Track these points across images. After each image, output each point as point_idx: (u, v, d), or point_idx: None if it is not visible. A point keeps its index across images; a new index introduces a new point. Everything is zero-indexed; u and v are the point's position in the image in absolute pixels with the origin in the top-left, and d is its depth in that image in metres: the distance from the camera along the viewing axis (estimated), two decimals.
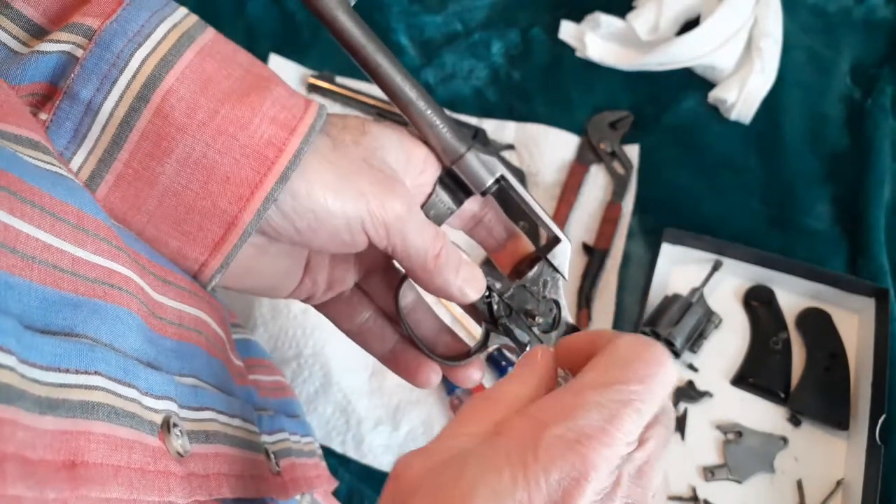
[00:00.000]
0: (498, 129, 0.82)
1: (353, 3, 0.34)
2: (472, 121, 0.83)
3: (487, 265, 0.39)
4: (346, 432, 0.72)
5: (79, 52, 0.30)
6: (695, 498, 0.68)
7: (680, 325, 0.70)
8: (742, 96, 0.80)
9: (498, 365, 0.72)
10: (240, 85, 0.32)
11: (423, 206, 0.37)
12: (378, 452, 0.71)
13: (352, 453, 0.71)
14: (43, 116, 0.30)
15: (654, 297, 0.73)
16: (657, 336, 0.71)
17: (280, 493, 0.38)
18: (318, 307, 0.42)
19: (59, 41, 0.31)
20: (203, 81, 0.31)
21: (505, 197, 0.38)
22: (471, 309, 0.40)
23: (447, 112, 0.86)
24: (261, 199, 0.31)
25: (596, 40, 0.84)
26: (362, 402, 0.72)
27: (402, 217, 0.34)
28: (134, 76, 0.30)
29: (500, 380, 0.31)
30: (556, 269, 0.39)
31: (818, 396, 0.70)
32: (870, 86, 0.83)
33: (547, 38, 0.86)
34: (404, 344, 0.42)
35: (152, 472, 0.27)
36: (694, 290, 0.72)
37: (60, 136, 0.31)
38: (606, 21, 0.83)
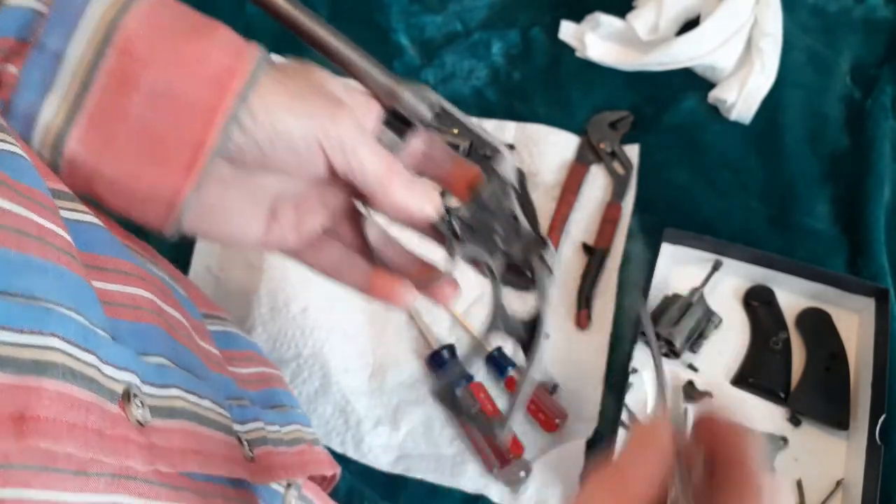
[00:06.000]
0: (498, 129, 0.82)
1: None
2: (472, 121, 0.83)
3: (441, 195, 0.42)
4: (346, 432, 0.71)
5: (44, 8, 0.33)
6: None
7: (680, 325, 0.70)
8: (742, 96, 0.80)
9: (498, 364, 0.72)
10: (191, 27, 0.35)
11: None
12: (378, 452, 0.71)
13: (351, 453, 0.71)
14: (13, 69, 0.33)
15: (654, 298, 0.73)
16: (657, 336, 0.71)
17: (255, 476, 0.38)
18: (289, 254, 0.44)
19: None
20: (159, 24, 0.34)
21: (446, 124, 0.42)
22: (435, 233, 0.42)
23: None
24: (224, 118, 0.34)
25: (596, 40, 0.84)
26: (362, 402, 0.72)
27: (355, 136, 0.36)
28: (95, 22, 0.33)
29: (621, 456, 0.29)
30: (503, 180, 0.41)
31: (818, 396, 0.70)
32: (870, 86, 0.83)
33: (547, 38, 0.86)
34: (378, 272, 0.44)
35: (110, 436, 0.27)
36: (694, 290, 0.72)
37: (31, 87, 0.33)
38: (606, 21, 0.83)
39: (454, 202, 0.42)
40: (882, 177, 0.78)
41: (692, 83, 0.83)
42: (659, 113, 0.83)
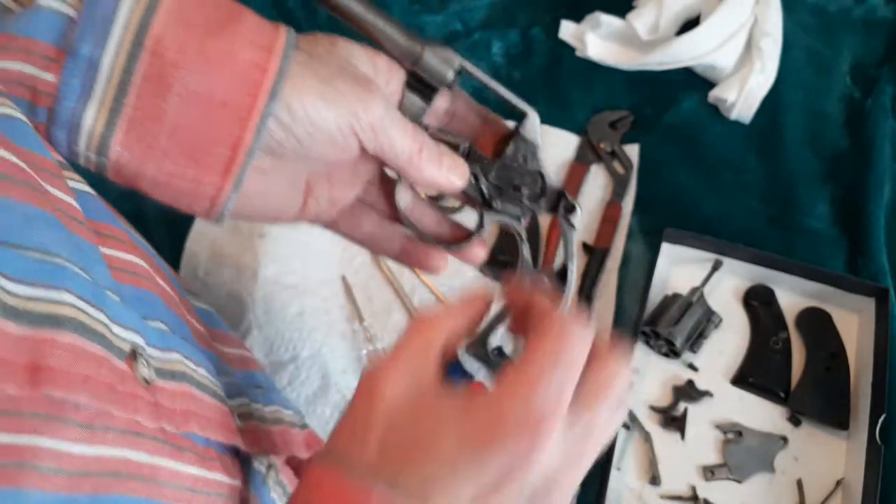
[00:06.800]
0: None
1: None
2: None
3: (469, 157, 0.43)
4: None
5: (73, 12, 0.34)
6: (695, 497, 0.68)
7: (680, 324, 0.70)
8: (742, 96, 0.80)
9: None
10: (216, 19, 0.35)
11: None
12: None
13: None
14: (51, 78, 0.33)
15: (654, 297, 0.73)
16: (657, 336, 0.71)
17: (247, 444, 0.40)
18: (327, 225, 0.45)
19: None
20: (185, 21, 0.34)
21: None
22: (464, 196, 0.43)
23: None
24: (258, 117, 0.34)
25: (596, 40, 0.84)
26: None
27: (384, 117, 0.37)
28: (125, 28, 0.33)
29: (438, 310, 0.35)
30: (529, 140, 0.43)
31: (818, 396, 0.70)
32: (870, 86, 0.83)
33: (547, 37, 0.86)
34: (412, 240, 0.45)
35: (121, 392, 0.28)
36: (694, 290, 0.72)
37: (71, 95, 0.33)
38: (606, 21, 0.83)
39: (480, 166, 0.43)
40: (882, 177, 0.78)
41: (692, 83, 0.83)
42: (659, 113, 0.82)
